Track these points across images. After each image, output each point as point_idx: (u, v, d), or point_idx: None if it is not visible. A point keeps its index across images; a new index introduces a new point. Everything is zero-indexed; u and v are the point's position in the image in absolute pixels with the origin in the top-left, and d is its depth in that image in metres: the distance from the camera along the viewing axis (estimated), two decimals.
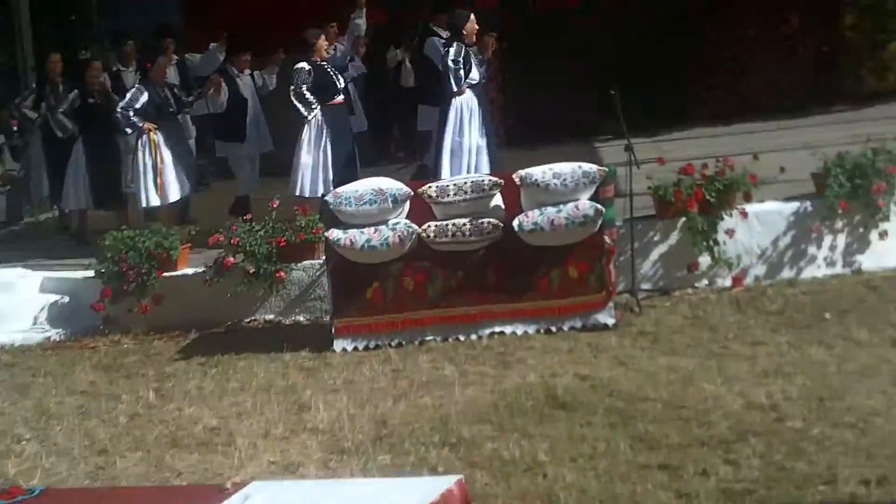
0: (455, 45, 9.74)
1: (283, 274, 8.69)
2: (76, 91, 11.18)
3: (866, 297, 8.01)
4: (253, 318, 9.07)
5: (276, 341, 8.29)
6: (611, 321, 7.93)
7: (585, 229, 7.84)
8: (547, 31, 14.56)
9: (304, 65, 9.85)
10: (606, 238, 7.92)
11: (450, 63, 9.71)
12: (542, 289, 7.96)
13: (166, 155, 10.33)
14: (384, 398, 6.83)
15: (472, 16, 9.92)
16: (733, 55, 14.82)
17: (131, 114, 10.12)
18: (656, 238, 8.76)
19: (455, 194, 7.96)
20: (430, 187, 8.03)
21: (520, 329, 7.98)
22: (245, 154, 11.52)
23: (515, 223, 7.86)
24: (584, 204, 7.84)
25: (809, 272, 8.70)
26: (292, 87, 9.82)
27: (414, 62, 13.89)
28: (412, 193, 8.02)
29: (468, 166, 9.76)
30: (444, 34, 10.53)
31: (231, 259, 8.77)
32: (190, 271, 9.17)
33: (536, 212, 7.88)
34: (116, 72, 12.03)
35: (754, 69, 14.80)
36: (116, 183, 11.47)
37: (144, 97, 10.22)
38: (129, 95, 10.30)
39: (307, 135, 9.84)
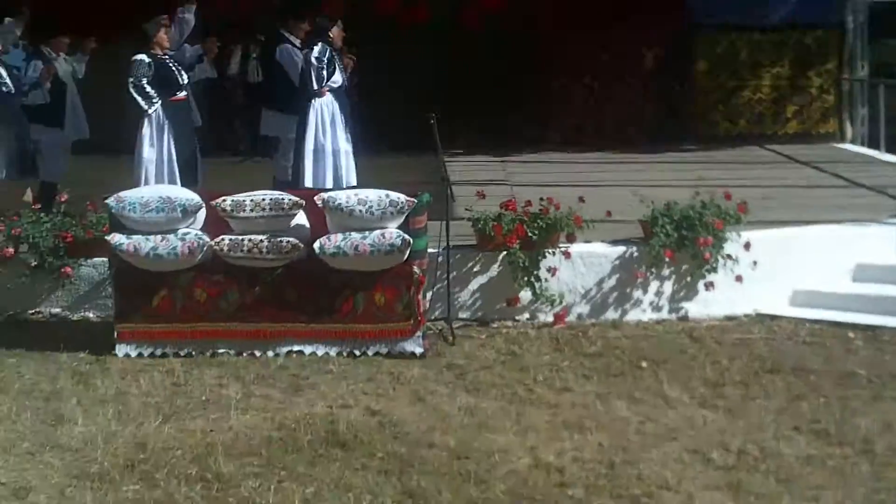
0: (320, 44, 9.34)
1: (69, 270, 8.07)
2: None
3: (687, 348, 7.72)
4: (38, 310, 8.39)
5: (57, 339, 7.65)
6: (418, 350, 7.48)
7: (391, 258, 7.40)
8: (402, 45, 14.20)
9: (143, 57, 9.25)
10: (416, 268, 7.49)
11: (313, 61, 9.32)
12: (346, 312, 7.48)
13: None
14: (153, 417, 6.24)
15: (341, 22, 9.66)
16: (588, 85, 14.73)
17: None
18: (476, 269, 8.35)
19: (252, 210, 7.44)
20: (224, 200, 7.49)
21: (320, 350, 7.48)
22: (61, 140, 10.83)
23: (317, 245, 7.38)
24: (391, 233, 7.39)
25: (635, 315, 8.40)
26: (131, 80, 9.21)
27: (261, 62, 13.47)
28: (202, 204, 7.49)
29: (335, 170, 9.34)
30: (297, 41, 10.15)
31: (11, 250, 8.10)
32: None
33: (340, 236, 7.41)
34: None
35: (610, 101, 14.75)
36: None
37: None
38: None
39: (147, 130, 9.26)
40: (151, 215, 7.41)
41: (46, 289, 8.29)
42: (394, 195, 7.48)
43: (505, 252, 8.20)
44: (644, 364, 7.34)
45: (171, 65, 9.48)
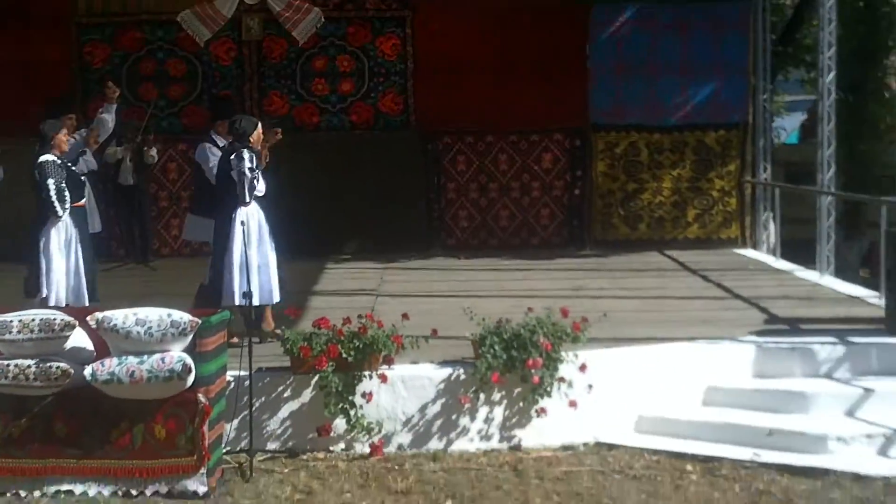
0: (247, 151, 8.58)
1: None
2: None
3: (503, 483, 7.07)
4: None
5: None
6: (202, 489, 6.80)
7: (171, 385, 6.75)
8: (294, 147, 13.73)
9: (52, 158, 8.56)
10: (201, 396, 6.84)
11: (246, 171, 8.52)
12: (122, 446, 6.81)
13: None
14: None
15: (260, 124, 8.99)
16: (483, 186, 14.30)
17: None
18: (287, 394, 7.72)
19: (19, 332, 6.81)
20: None
21: (93, 489, 6.80)
22: None
23: (88, 372, 6.75)
24: (172, 357, 6.76)
25: (461, 444, 7.76)
26: (52, 182, 8.45)
27: (133, 160, 12.98)
28: None
29: (259, 284, 8.56)
30: (221, 141, 9.51)
31: None
32: None
33: (115, 360, 6.78)
34: None
35: (506, 203, 14.31)
36: None
37: None
38: None
39: (56, 237, 8.54)
40: None
41: None
42: (177, 315, 6.86)
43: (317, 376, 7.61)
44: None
45: (73, 168, 8.92)
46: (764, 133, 14.44)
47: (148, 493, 6.80)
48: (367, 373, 7.65)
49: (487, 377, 7.64)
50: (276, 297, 8.79)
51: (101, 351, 7.02)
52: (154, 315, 6.86)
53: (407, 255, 13.43)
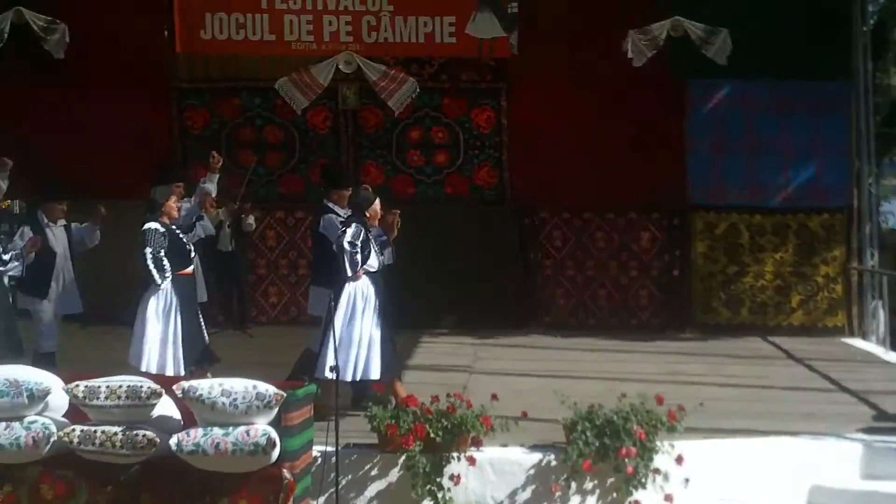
0: (354, 226, 8.60)
1: None
2: None
3: None
4: None
5: None
6: None
7: (256, 459, 6.57)
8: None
9: (156, 226, 8.75)
10: (286, 472, 6.65)
11: (345, 245, 8.54)
12: None
13: None
14: None
15: (378, 199, 8.93)
16: (581, 264, 14.03)
17: None
18: (374, 472, 7.56)
19: (107, 398, 6.69)
20: (77, 386, 6.76)
21: None
22: (43, 310, 10.05)
23: (173, 442, 6.61)
24: (257, 430, 6.59)
25: None
26: (150, 250, 8.64)
27: (231, 227, 12.98)
28: (50, 390, 6.79)
29: (355, 360, 8.51)
30: (342, 212, 9.33)
31: None
32: None
33: (201, 431, 6.64)
34: None
35: (604, 283, 14.01)
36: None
37: None
38: None
39: (154, 304, 8.69)
40: None
41: None
42: (262, 387, 6.71)
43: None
44: None
45: (181, 236, 9.01)
46: (870, 218, 13.99)
47: None
48: (455, 454, 7.45)
49: (579, 465, 7.39)
50: (375, 374, 8.62)
51: (189, 420, 6.90)
52: (240, 386, 6.72)
53: (502, 332, 13.17)
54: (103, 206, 10.42)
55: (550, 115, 13.74)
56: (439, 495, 7.37)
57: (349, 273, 8.59)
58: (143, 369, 8.54)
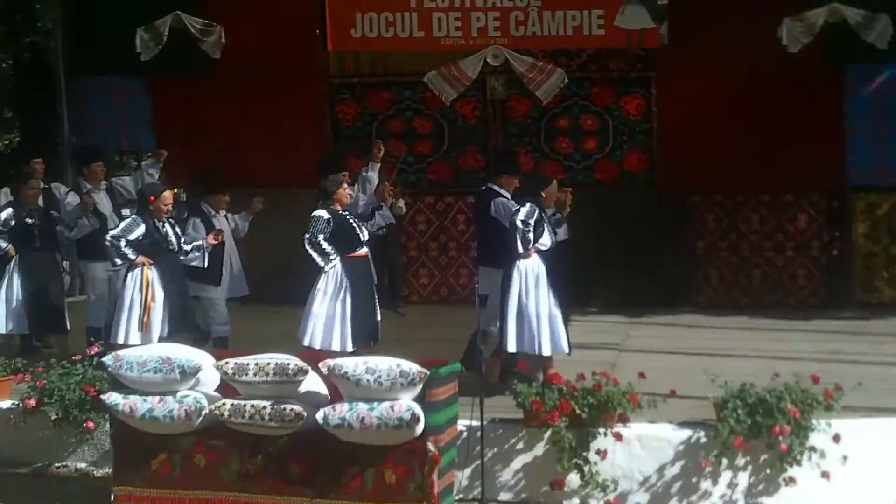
0: (528, 205, 8.75)
1: (91, 424, 7.73)
2: (10, 209, 10.46)
3: None
4: (64, 464, 8.12)
5: (60, 497, 7.34)
6: None
7: (400, 433, 6.68)
8: None
9: (322, 213, 9.16)
10: (430, 446, 6.72)
11: (518, 224, 8.69)
12: (354, 489, 6.78)
13: (158, 294, 9.17)
14: None
15: (555, 182, 9.18)
16: (736, 245, 13.73)
17: (122, 244, 9.06)
18: (520, 446, 7.56)
19: (255, 374, 6.89)
20: (227, 363, 6.99)
21: None
22: (218, 297, 10.48)
23: (320, 416, 6.76)
24: (402, 406, 6.68)
25: None
26: (307, 236, 9.09)
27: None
28: (201, 366, 7.02)
29: (538, 335, 8.65)
30: (507, 195, 9.56)
31: (32, 402, 7.85)
32: (7, 404, 8.21)
33: (346, 406, 6.78)
34: (87, 192, 10.88)
35: (759, 263, 13.68)
36: (57, 310, 10.52)
37: (141, 229, 9.17)
38: (122, 225, 9.31)
39: (323, 285, 9.12)
40: (149, 375, 7.00)
41: (73, 443, 8.03)
42: (406, 365, 6.79)
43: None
44: None
45: (351, 221, 9.34)
46: None
47: None
48: (601, 430, 7.39)
49: (730, 441, 7.24)
50: (564, 348, 8.78)
51: (335, 396, 7.03)
52: (384, 364, 6.82)
53: (654, 311, 12.99)
54: (260, 198, 10.70)
55: (701, 102, 13.42)
56: (585, 469, 7.33)
57: (521, 250, 8.69)
58: (307, 344, 8.91)
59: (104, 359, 7.22)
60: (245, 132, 14.04)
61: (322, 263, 9.05)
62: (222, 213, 10.64)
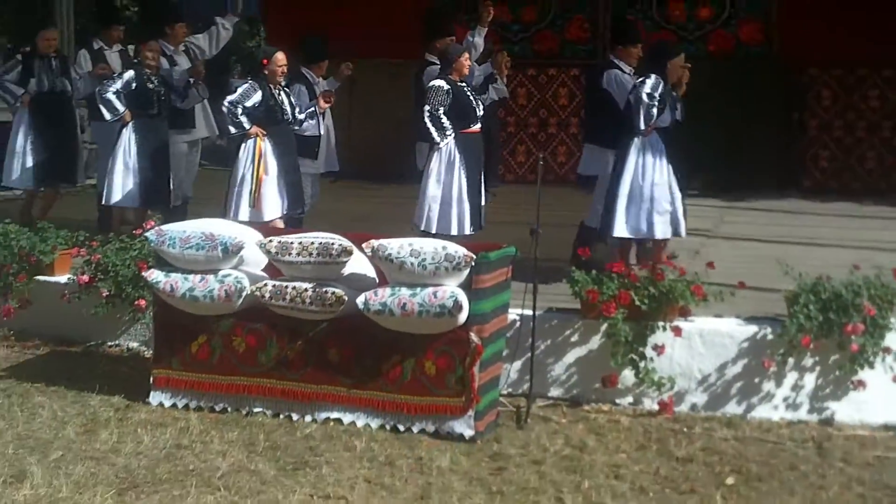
0: (654, 77, 8.16)
1: (143, 302, 7.62)
2: (132, 71, 9.72)
3: (801, 462, 6.26)
4: (117, 343, 8.10)
5: (106, 376, 7.31)
6: (468, 433, 6.45)
7: (442, 322, 6.41)
8: None
9: (442, 83, 8.44)
10: (473, 335, 6.45)
11: (644, 97, 8.11)
12: (392, 380, 6.58)
13: (271, 166, 8.80)
14: (114, 486, 5.66)
15: (683, 54, 8.51)
16: (850, 125, 12.93)
17: (240, 111, 8.65)
18: (574, 338, 7.22)
19: (298, 254, 6.66)
20: (271, 241, 6.77)
21: (360, 420, 6.62)
22: (310, 172, 9.91)
23: (360, 301, 6.52)
24: (445, 292, 6.39)
25: (763, 412, 6.97)
26: (428, 108, 8.39)
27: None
28: (244, 245, 6.82)
29: (649, 216, 8.26)
30: (627, 68, 8.93)
31: (85, 277, 7.81)
32: (64, 279, 8.20)
33: (388, 291, 6.52)
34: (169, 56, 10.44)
35: (874, 144, 12.88)
36: (166, 180, 9.92)
37: (258, 96, 8.73)
38: (240, 90, 8.80)
39: (436, 164, 8.46)
40: (191, 252, 6.84)
41: (126, 321, 7.98)
42: (452, 248, 6.50)
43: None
44: (730, 481, 6.00)
45: (469, 94, 8.64)
46: None
47: (415, 430, 6.53)
48: (661, 323, 7.02)
49: (797, 340, 6.78)
50: (682, 231, 8.41)
51: (384, 280, 6.81)
52: (429, 247, 6.54)
53: (756, 195, 12.37)
54: (349, 64, 10.30)
55: None
56: (641, 364, 6.96)
57: (642, 126, 8.16)
58: (423, 229, 8.39)
59: (147, 233, 7.06)
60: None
61: (438, 139, 8.41)
62: (320, 79, 10.14)
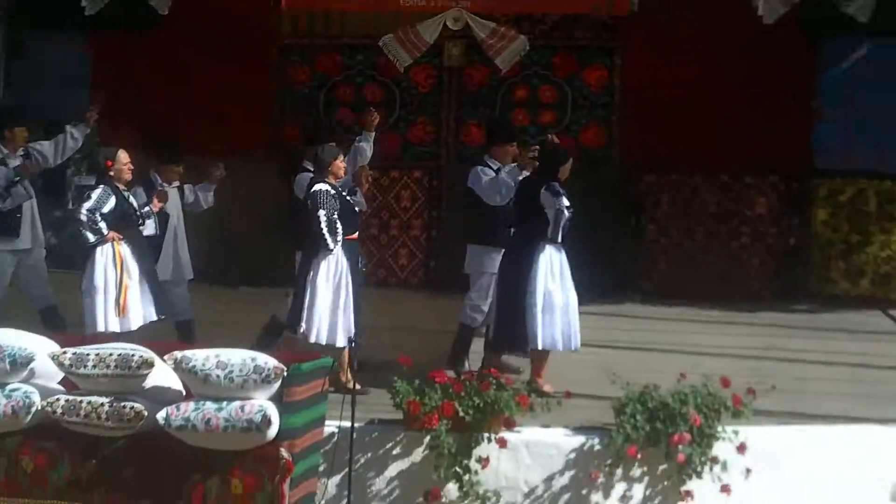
0: (563, 191, 8.07)
1: None
2: None
3: None
4: None
5: None
6: None
7: (250, 437, 5.99)
8: None
9: (326, 187, 8.01)
10: (283, 451, 6.04)
11: (564, 210, 8.00)
12: (196, 500, 6.10)
13: (133, 271, 8.42)
14: None
15: (571, 159, 8.46)
16: (688, 230, 13.03)
17: (98, 218, 8.28)
18: (397, 451, 6.91)
19: (95, 366, 6.17)
20: (65, 353, 6.27)
21: None
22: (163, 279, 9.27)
23: (161, 415, 6.06)
24: (253, 406, 5.99)
25: None
26: (323, 213, 7.92)
27: None
28: (34, 356, 6.32)
29: (566, 325, 8.09)
30: (496, 165, 8.81)
31: None
32: None
33: (192, 405, 6.08)
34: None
35: (712, 250, 12.99)
36: None
37: (112, 201, 8.38)
38: (94, 196, 8.39)
39: (325, 271, 7.97)
40: None
41: None
42: (261, 360, 6.11)
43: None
44: None
45: (348, 198, 8.26)
46: None
47: None
48: (486, 435, 6.74)
49: (623, 450, 6.61)
50: (576, 344, 8.17)
51: (191, 392, 6.37)
52: (237, 358, 6.14)
53: (595, 299, 12.26)
54: (220, 164, 9.73)
55: (666, 75, 12.69)
56: (465, 478, 6.69)
57: (559, 238, 8.09)
58: (313, 341, 7.90)
59: None
60: (188, 92, 13.32)
61: (332, 245, 7.95)
62: (174, 185, 9.57)
